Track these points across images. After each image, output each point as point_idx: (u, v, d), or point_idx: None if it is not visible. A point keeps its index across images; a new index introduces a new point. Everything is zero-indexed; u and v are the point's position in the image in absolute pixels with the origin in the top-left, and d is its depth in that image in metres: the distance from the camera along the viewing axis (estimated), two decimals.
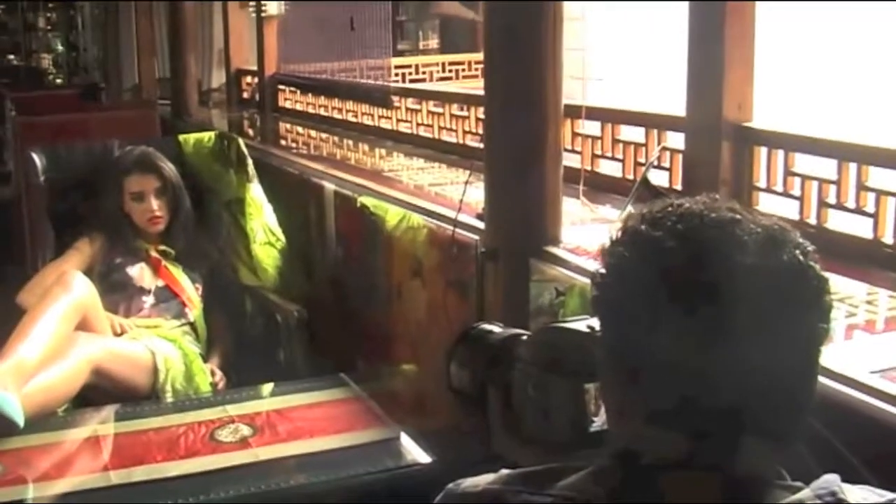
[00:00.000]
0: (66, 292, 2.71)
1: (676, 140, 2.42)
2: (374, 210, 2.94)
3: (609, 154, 2.74)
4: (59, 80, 10.81)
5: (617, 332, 0.95)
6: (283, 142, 4.64)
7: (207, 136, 3.53)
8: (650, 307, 0.90)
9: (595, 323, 1.02)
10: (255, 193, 3.38)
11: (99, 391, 2.72)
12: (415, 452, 2.32)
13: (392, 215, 2.85)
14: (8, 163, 6.37)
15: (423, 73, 5.28)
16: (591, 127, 2.78)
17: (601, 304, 0.97)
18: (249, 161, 3.41)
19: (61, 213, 3.31)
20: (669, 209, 0.94)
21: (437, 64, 5.42)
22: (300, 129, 4.69)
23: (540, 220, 2.25)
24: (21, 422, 2.39)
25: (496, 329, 1.27)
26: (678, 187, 2.39)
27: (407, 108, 3.94)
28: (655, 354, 0.90)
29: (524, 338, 1.21)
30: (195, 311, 3.16)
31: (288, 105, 5.15)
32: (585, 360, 1.03)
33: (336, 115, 4.58)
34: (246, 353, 3.24)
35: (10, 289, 3.10)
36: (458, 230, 2.48)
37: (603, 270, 0.97)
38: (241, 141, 3.45)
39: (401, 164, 3.64)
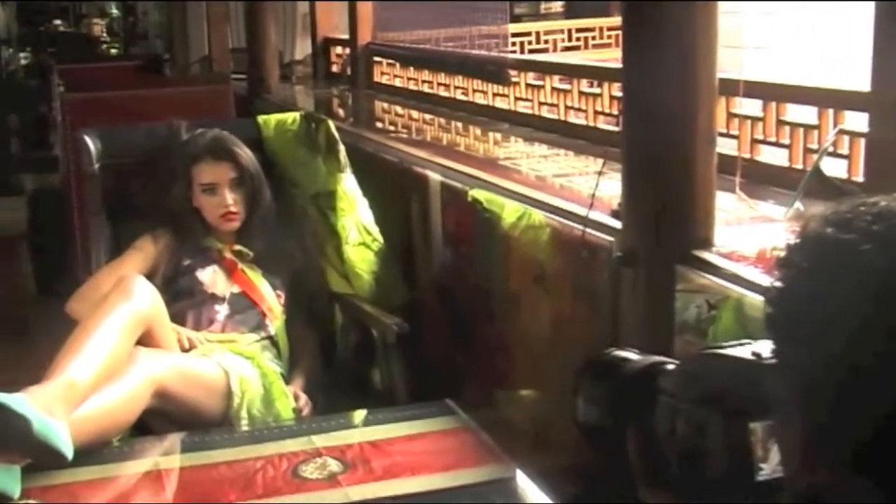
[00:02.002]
0: (125, 300, 2.79)
1: (857, 121, 2.42)
2: (488, 205, 2.99)
3: (772, 139, 2.74)
4: (113, 50, 11.09)
5: (802, 359, 0.93)
6: (379, 124, 4.73)
7: (291, 118, 3.63)
8: (848, 327, 0.88)
9: (762, 348, 1.02)
10: (348, 185, 3.46)
11: (162, 417, 2.81)
12: (533, 494, 2.36)
13: (509, 211, 2.90)
14: (55, 146, 6.63)
15: (546, 41, 5.33)
16: (751, 106, 2.79)
17: (778, 324, 0.96)
18: (341, 147, 3.48)
19: (119, 207, 3.43)
20: (861, 207, 0.93)
21: (561, 31, 5.47)
22: (399, 109, 4.78)
23: (687, 218, 2.27)
24: (70, 453, 2.46)
25: (633, 356, 1.28)
26: (858, 178, 2.39)
27: (526, 85, 3.99)
28: (858, 385, 0.87)
29: (670, 367, 1.22)
30: (276, 323, 3.24)
31: (385, 80, 5.26)
32: (751, 395, 1.03)
33: (442, 93, 4.65)
34: (335, 374, 3.33)
35: (60, 296, 3.23)
36: (588, 230, 2.52)
37: (779, 284, 0.96)
38: (330, 123, 3.53)
39: (519, 150, 3.68)
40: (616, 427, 1.23)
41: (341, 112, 5.31)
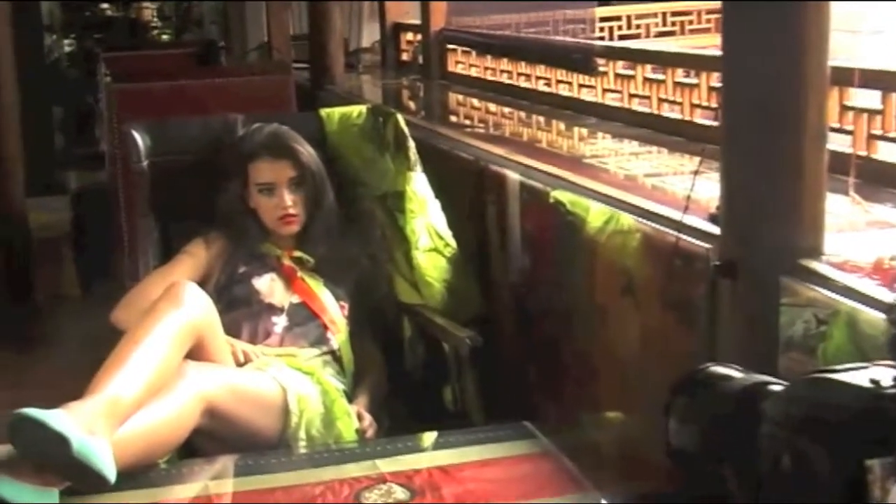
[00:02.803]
0: (175, 309, 2.81)
1: None
2: (572, 208, 2.99)
3: (892, 134, 2.71)
4: (165, 37, 11.20)
5: None
6: (453, 118, 4.75)
7: (357, 111, 3.65)
8: None
9: (882, 374, 1.01)
10: (419, 185, 3.47)
11: (213, 437, 2.82)
12: None
13: (595, 215, 2.89)
14: (100, 141, 6.73)
15: (638, 26, 5.32)
16: (867, 97, 2.76)
17: None
18: (411, 143, 3.50)
19: (169, 208, 3.48)
20: None
21: (655, 14, 5.45)
22: (475, 102, 4.79)
23: (794, 223, 2.25)
24: (112, 475, 2.47)
25: (734, 374, 1.25)
26: None
27: (616, 75, 3.98)
28: None
29: (774, 388, 1.19)
30: (339, 336, 3.26)
31: (460, 70, 5.27)
32: (868, 427, 1.02)
33: (522, 84, 4.66)
34: (403, 392, 3.34)
35: (105, 302, 3.26)
36: (683, 236, 2.50)
37: None
38: (399, 117, 3.54)
39: (607, 147, 3.67)
40: (712, 454, 1.21)
41: (412, 104, 5.34)
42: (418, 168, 3.48)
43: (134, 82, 4.83)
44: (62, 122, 9.11)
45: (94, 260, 5.36)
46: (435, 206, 3.48)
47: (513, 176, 3.35)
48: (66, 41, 10.65)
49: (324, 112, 3.69)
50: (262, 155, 3.31)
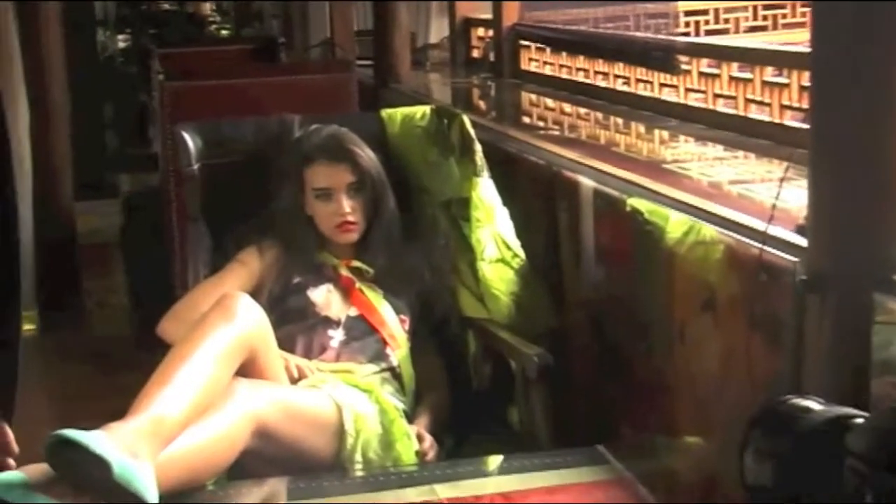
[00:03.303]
0: (226, 322, 2.82)
1: None
2: (650, 216, 2.96)
3: None
4: (224, 32, 11.29)
5: None
6: (525, 119, 4.73)
7: (420, 112, 3.65)
8: None
9: None
10: (485, 191, 3.44)
11: (264, 459, 2.83)
12: None
13: (675, 225, 2.86)
14: (154, 142, 6.80)
15: (726, 21, 5.27)
16: None
17: None
18: (477, 147, 3.49)
19: (221, 213, 3.50)
20: None
21: (745, 8, 5.39)
22: (549, 102, 4.77)
23: (889, 235, 2.21)
24: (154, 499, 2.47)
25: (814, 405, 1.24)
26: None
27: (699, 73, 3.94)
28: None
29: (860, 422, 1.17)
30: (399, 352, 3.27)
31: (533, 68, 5.25)
32: None
33: (600, 83, 4.63)
34: (466, 412, 3.33)
35: (156, 313, 3.29)
36: (767, 248, 2.47)
37: None
38: (465, 119, 3.53)
39: (689, 151, 3.64)
40: (791, 491, 1.19)
41: (482, 104, 5.33)
42: (485, 173, 3.46)
43: (188, 80, 4.85)
44: (115, 121, 9.21)
45: (145, 268, 5.40)
46: (503, 213, 3.45)
47: (587, 182, 3.33)
48: (120, 37, 10.75)
49: (385, 113, 3.70)
50: (319, 158, 3.33)
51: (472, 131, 3.50)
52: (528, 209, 3.55)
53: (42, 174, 5.97)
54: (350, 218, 3.30)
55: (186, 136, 3.52)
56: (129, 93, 8.90)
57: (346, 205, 3.29)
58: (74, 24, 7.33)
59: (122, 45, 10.69)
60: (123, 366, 4.57)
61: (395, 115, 3.67)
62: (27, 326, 5.87)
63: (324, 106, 4.43)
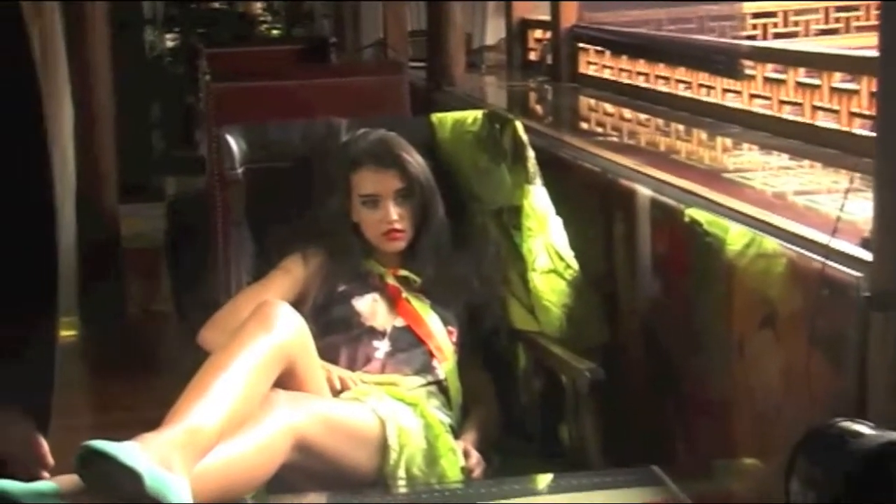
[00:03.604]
0: (263, 332, 2.82)
1: None
2: (709, 228, 2.94)
3: None
4: (275, 32, 11.34)
5: None
6: (583, 124, 4.72)
7: (472, 117, 3.65)
8: None
9: None
10: (538, 200, 3.44)
11: (304, 473, 2.83)
12: None
13: (735, 236, 2.84)
14: (200, 144, 6.84)
15: (795, 24, 5.23)
16: None
17: None
18: (530, 153, 3.47)
19: (265, 219, 3.51)
20: None
21: (815, 10, 5.34)
22: (608, 107, 4.76)
23: None
24: None
25: (865, 430, 1.22)
26: None
27: (764, 79, 3.91)
28: None
29: None
30: (446, 364, 3.26)
31: (592, 71, 5.24)
32: None
33: (661, 88, 4.61)
34: (515, 428, 3.33)
35: (199, 321, 3.31)
36: (831, 262, 2.45)
37: None
38: (518, 124, 3.53)
39: (753, 160, 3.61)
40: None
41: (538, 109, 5.32)
42: (538, 181, 3.45)
43: (235, 81, 4.88)
44: (162, 122, 9.27)
45: (190, 274, 5.42)
46: (555, 223, 3.45)
47: (643, 191, 3.32)
48: (168, 36, 10.81)
49: (435, 117, 3.70)
50: (366, 163, 3.34)
51: (524, 137, 3.50)
52: (582, 218, 3.54)
53: (86, 176, 6.02)
54: (397, 225, 3.30)
55: (230, 139, 3.54)
56: (177, 93, 8.97)
57: (394, 212, 3.29)
58: (122, 23, 7.39)
59: (170, 44, 10.76)
60: (166, 375, 4.60)
61: (445, 119, 3.68)
62: (68, 332, 5.92)
63: (374, 109, 4.44)
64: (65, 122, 5.99)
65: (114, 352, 5.71)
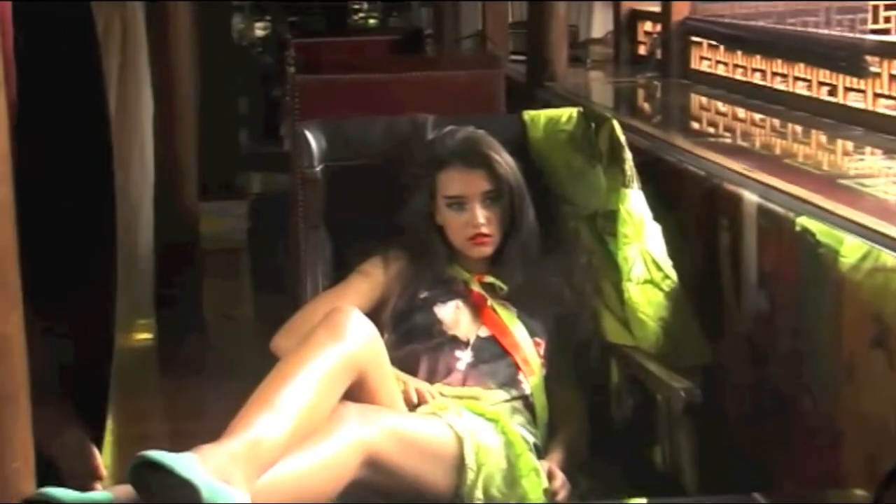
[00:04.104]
0: (333, 340, 2.81)
1: None
2: (822, 239, 2.91)
3: None
4: (371, 21, 11.38)
5: None
6: (693, 124, 4.69)
7: (566, 115, 3.66)
8: None
9: None
10: (635, 205, 3.42)
11: (373, 490, 2.84)
12: None
13: (850, 249, 2.81)
14: (286, 140, 6.89)
15: None
16: None
17: None
18: (627, 155, 3.47)
19: (344, 219, 3.56)
20: None
21: None
22: (721, 106, 4.73)
23: None
24: None
25: None
26: None
27: (891, 77, 3.87)
28: None
29: None
30: (533, 379, 3.27)
31: (704, 67, 5.22)
32: None
33: (777, 85, 4.58)
34: (605, 449, 3.31)
35: (277, 327, 3.35)
36: None
37: None
38: (615, 123, 3.53)
39: (874, 166, 3.59)
40: None
41: (646, 107, 5.31)
42: (635, 184, 3.44)
43: (320, 73, 4.92)
44: (249, 116, 9.34)
45: (273, 277, 5.48)
46: (653, 229, 3.43)
47: (750, 197, 3.29)
48: (258, 24, 10.89)
49: (528, 115, 3.72)
50: (452, 163, 3.36)
51: (622, 137, 3.49)
52: (683, 226, 3.53)
53: (165, 172, 6.08)
54: (484, 230, 3.31)
55: (309, 135, 3.57)
56: (265, 86, 9.05)
57: (481, 215, 3.30)
58: (208, 9, 7.45)
59: (259, 33, 10.82)
60: (243, 384, 4.64)
61: (538, 117, 3.69)
62: (143, 335, 6.04)
63: (466, 105, 4.47)
64: (144, 116, 6.08)
65: (190, 358, 5.77)
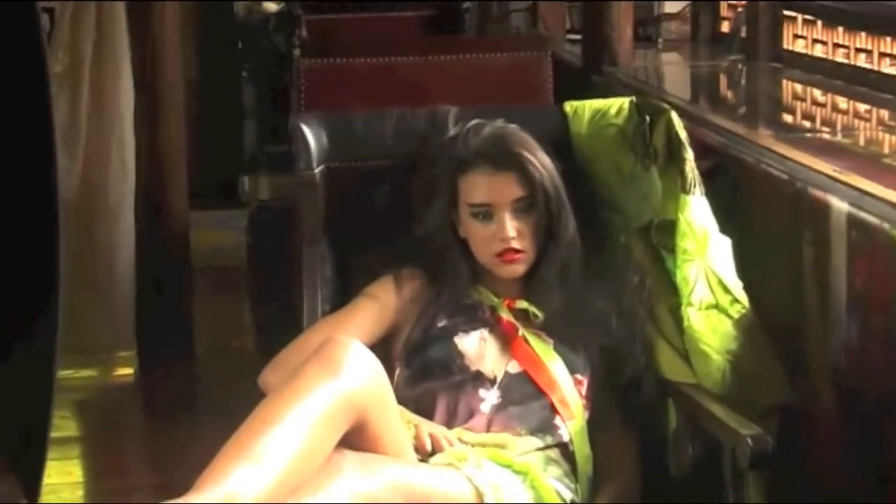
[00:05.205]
0: (329, 375, 2.82)
1: None
2: None
3: None
4: None
5: None
6: (783, 117, 4.70)
7: (616, 106, 3.67)
8: None
9: None
10: (697, 214, 3.40)
11: None
12: None
13: None
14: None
15: None
16: None
17: None
18: (688, 154, 3.44)
19: (349, 231, 3.60)
20: None
21: None
22: (818, 94, 4.75)
23: None
24: None
25: None
26: None
27: None
28: None
29: None
30: (573, 423, 3.27)
31: (799, 47, 5.22)
32: None
33: (887, 69, 4.58)
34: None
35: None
36: None
37: None
38: (674, 116, 3.50)
39: None
40: None
41: (729, 96, 5.32)
42: (698, 190, 3.42)
43: (332, 56, 4.91)
44: (256, 108, 9.31)
45: (275, 300, 5.51)
46: (720, 244, 3.42)
47: (839, 205, 3.30)
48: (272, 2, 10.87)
49: (570, 106, 3.74)
50: (477, 165, 3.36)
51: (682, 133, 3.47)
52: (758, 239, 3.54)
53: (148, 178, 6.06)
54: (515, 244, 3.31)
55: (307, 131, 3.62)
56: (277, 72, 9.03)
57: (511, 227, 3.30)
58: None
59: (271, 6, 10.78)
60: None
61: (582, 109, 3.71)
62: (123, 370, 6.09)
63: (506, 95, 4.46)
64: (123, 106, 6.10)
65: (178, 397, 5.81)
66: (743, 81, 5.35)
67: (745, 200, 3.62)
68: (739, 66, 5.46)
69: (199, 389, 6.09)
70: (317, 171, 3.61)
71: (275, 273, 5.83)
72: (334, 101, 4.25)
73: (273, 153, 8.21)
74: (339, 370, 2.85)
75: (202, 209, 6.75)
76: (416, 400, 3.21)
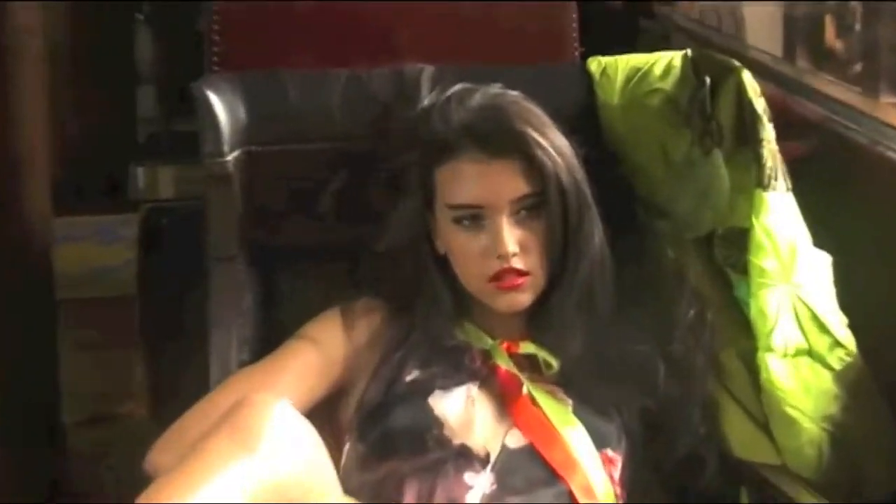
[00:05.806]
0: (241, 451, 2.77)
1: None
2: None
3: None
4: None
5: None
6: None
7: (663, 63, 3.68)
8: None
9: None
10: (780, 219, 3.38)
11: None
12: None
13: None
14: None
15: None
16: None
17: None
18: (768, 133, 3.42)
19: (277, 243, 3.65)
20: None
21: None
22: None
23: None
24: None
25: None
26: None
27: None
28: None
29: None
30: None
31: None
32: None
33: None
34: None
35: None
36: None
37: None
38: (746, 77, 3.48)
39: None
40: None
41: (838, 48, 5.36)
42: (780, 184, 3.40)
43: None
44: (155, 64, 9.32)
45: (174, 347, 5.54)
46: (815, 263, 3.40)
47: None
48: None
49: (596, 64, 3.79)
50: (463, 149, 3.33)
51: (759, 102, 3.44)
52: (870, 255, 3.57)
53: None
54: (517, 263, 3.28)
55: (216, 100, 3.56)
56: (187, 11, 9.05)
57: (512, 238, 3.27)
58: None
59: None
60: None
61: (614, 68, 3.75)
62: None
63: (513, 53, 4.49)
64: None
65: (36, 489, 5.86)
66: (857, 28, 5.39)
67: (856, 199, 3.65)
68: (851, 5, 5.51)
69: (71, 474, 6.08)
70: (230, 157, 3.55)
71: (176, 301, 5.86)
72: (260, 58, 4.19)
73: (181, 132, 8.24)
74: (256, 444, 2.79)
75: (71, 214, 6.73)
76: (374, 487, 3.20)
